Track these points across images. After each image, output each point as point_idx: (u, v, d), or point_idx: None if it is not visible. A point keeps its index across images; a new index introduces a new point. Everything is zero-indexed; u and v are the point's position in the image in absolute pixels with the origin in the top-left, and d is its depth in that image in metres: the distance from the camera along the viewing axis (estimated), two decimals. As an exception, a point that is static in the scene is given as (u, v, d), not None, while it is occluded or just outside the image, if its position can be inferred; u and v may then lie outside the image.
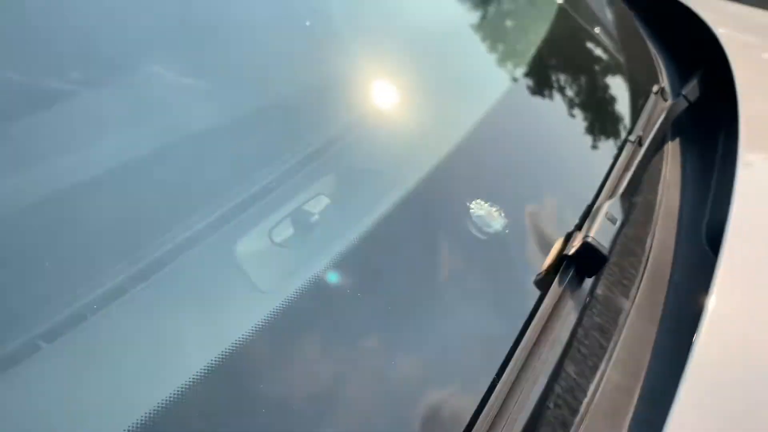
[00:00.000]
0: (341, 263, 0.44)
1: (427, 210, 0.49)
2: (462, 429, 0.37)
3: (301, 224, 0.46)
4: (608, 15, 0.94)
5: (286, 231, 0.45)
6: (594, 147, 0.65)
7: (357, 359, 0.39)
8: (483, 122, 0.57)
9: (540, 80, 0.68)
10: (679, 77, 0.82)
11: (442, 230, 0.49)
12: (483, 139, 0.55)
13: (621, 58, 0.83)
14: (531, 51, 0.70)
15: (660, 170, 0.65)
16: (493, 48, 0.72)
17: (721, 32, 0.81)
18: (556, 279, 0.48)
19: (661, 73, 0.80)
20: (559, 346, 0.45)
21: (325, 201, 0.48)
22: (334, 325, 0.41)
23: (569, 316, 0.47)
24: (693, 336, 0.43)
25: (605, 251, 0.48)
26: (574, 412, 0.43)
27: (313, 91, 0.58)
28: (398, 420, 0.38)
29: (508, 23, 0.81)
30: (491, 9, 0.79)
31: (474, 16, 0.77)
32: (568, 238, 0.51)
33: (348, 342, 0.40)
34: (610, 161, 0.61)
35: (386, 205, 0.47)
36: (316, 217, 0.46)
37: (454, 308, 0.45)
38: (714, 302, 0.45)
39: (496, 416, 0.38)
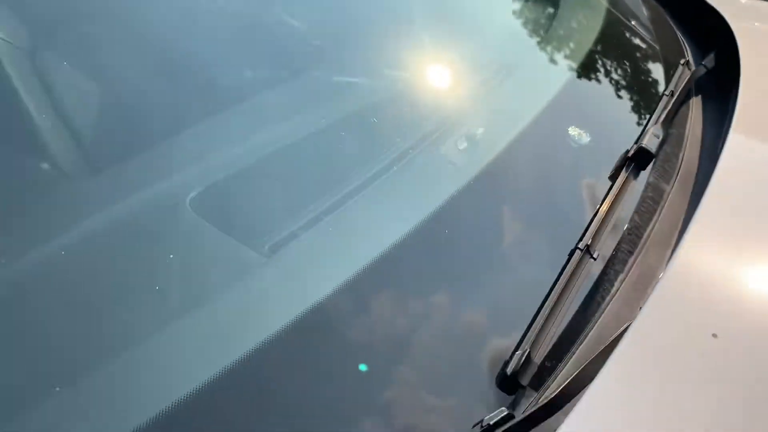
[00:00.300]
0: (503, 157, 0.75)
1: (547, 132, 0.81)
2: (582, 232, 0.68)
3: (470, 141, 0.78)
4: (644, 11, 1.25)
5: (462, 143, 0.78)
6: (641, 99, 0.96)
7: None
8: (569, 85, 0.88)
9: (601, 61, 1.00)
10: (701, 53, 1.12)
11: (554, 144, 0.80)
12: (573, 94, 0.87)
13: (656, 44, 1.14)
14: (592, 40, 1.01)
15: (687, 114, 0.95)
16: (564, 40, 1.04)
17: (731, 20, 1.11)
18: (623, 172, 0.79)
19: (686, 51, 1.10)
20: (630, 206, 0.76)
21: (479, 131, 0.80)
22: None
23: (633, 192, 0.78)
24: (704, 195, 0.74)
25: (653, 152, 0.79)
26: (641, 235, 0.74)
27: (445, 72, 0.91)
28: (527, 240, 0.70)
29: (573, 23, 1.12)
30: (561, 13, 1.11)
31: (547, 23, 1.09)
32: (629, 150, 0.82)
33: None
34: (653, 108, 0.92)
35: (520, 127, 0.79)
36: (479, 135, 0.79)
37: (569, 181, 0.76)
38: (717, 175, 0.76)
39: (599, 226, 0.69)
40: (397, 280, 0.63)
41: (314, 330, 0.58)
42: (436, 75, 0.92)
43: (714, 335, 0.54)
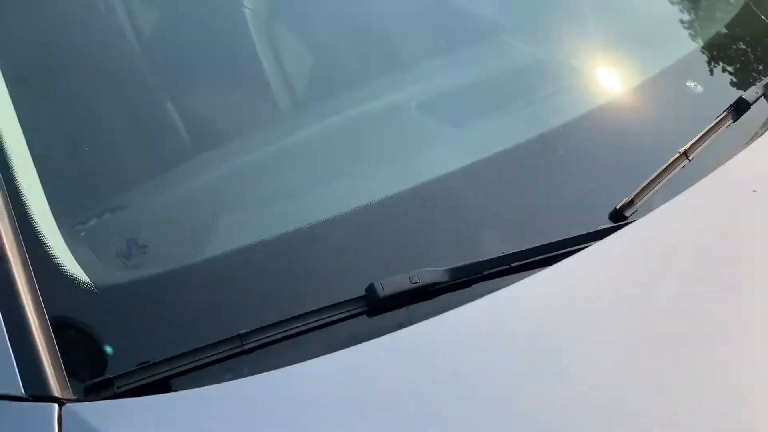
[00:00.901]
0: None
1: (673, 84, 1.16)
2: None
3: (611, 85, 1.16)
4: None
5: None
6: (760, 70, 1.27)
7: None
8: (701, 53, 1.23)
9: (730, 41, 1.32)
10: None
11: (674, 91, 1.16)
12: (696, 62, 1.22)
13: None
14: (720, 19, 1.34)
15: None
16: (699, 19, 1.37)
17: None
18: (724, 114, 1.11)
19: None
20: (726, 139, 1.10)
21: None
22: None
23: (730, 130, 1.11)
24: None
25: (750, 102, 1.11)
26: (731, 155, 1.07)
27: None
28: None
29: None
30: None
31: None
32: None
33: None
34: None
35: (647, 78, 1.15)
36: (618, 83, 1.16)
37: (684, 119, 1.12)
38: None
39: (695, 142, 1.03)
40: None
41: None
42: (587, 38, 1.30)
43: (754, 191, 0.89)
